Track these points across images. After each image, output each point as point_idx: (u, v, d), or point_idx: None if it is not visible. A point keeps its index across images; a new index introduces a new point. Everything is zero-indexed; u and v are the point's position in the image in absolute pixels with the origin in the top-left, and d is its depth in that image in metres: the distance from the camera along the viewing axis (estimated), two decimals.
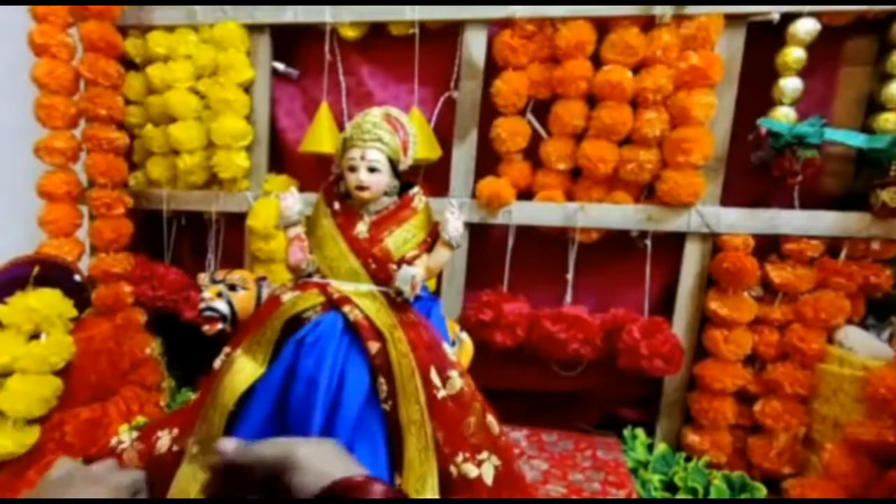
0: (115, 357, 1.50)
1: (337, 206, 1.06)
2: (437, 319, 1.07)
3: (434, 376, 0.94)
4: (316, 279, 1.03)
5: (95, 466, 0.51)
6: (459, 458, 0.90)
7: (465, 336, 1.21)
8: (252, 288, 1.08)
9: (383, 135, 1.02)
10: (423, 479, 0.88)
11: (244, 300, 1.04)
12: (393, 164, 1.03)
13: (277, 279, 1.36)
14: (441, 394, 0.93)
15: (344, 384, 0.90)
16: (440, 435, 0.91)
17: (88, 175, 1.58)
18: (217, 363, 1.01)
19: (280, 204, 1.07)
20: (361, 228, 1.03)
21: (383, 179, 1.03)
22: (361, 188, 1.01)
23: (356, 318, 0.94)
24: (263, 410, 0.91)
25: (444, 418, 0.92)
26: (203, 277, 1.07)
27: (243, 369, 0.94)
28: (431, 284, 1.41)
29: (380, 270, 1.02)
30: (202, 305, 1.02)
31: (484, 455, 0.94)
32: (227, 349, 1.03)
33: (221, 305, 1.02)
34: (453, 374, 0.97)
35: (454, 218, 1.04)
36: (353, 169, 1.02)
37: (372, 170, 1.01)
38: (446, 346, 1.01)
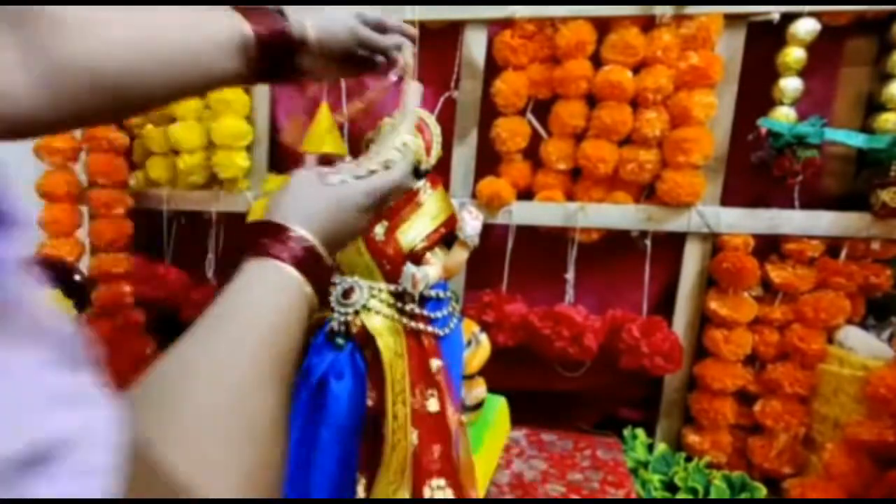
0: (114, 357, 1.50)
1: None
2: (456, 339, 1.08)
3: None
4: (336, 277, 1.06)
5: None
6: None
7: (483, 337, 1.21)
8: None
9: None
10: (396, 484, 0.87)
11: None
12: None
13: None
14: (433, 408, 0.94)
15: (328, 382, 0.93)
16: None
17: (88, 175, 1.58)
18: None
19: None
20: (379, 231, 1.06)
21: None
22: None
23: (356, 328, 0.97)
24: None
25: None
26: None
27: None
28: None
29: (393, 270, 1.03)
30: None
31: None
32: None
33: None
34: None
35: (471, 217, 1.05)
36: None
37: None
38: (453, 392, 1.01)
